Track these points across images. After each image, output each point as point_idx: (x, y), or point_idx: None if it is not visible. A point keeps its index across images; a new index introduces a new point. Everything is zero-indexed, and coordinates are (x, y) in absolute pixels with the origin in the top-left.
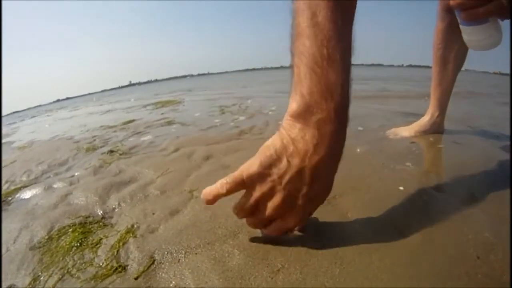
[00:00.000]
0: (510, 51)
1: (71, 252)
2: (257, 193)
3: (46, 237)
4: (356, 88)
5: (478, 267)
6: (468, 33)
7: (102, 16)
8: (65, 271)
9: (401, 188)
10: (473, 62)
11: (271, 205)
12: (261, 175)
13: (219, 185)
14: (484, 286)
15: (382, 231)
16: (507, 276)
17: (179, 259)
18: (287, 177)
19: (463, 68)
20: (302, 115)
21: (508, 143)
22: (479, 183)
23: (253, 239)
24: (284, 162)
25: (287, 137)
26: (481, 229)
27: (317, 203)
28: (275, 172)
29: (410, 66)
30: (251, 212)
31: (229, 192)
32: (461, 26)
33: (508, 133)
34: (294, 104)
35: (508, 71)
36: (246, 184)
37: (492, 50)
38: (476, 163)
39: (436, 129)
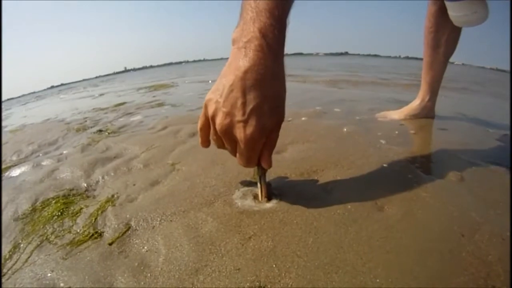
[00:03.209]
0: (510, 48)
1: (51, 221)
2: (210, 117)
3: (30, 208)
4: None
5: (462, 245)
6: (453, 9)
7: (96, 3)
8: (44, 238)
9: (385, 165)
10: (470, 57)
11: (217, 123)
12: (209, 101)
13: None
14: (468, 265)
15: (361, 205)
16: (493, 256)
17: (154, 226)
18: (224, 95)
19: (459, 62)
20: (237, 40)
21: (502, 132)
22: (467, 167)
23: (229, 208)
24: (222, 82)
25: (227, 62)
26: (467, 209)
27: (266, 118)
28: (218, 94)
29: (407, 57)
30: (218, 139)
31: (202, 123)
32: (446, 3)
33: (500, 121)
34: (233, 34)
35: (506, 67)
36: (206, 114)
37: (491, 46)
38: (466, 148)
39: (427, 113)
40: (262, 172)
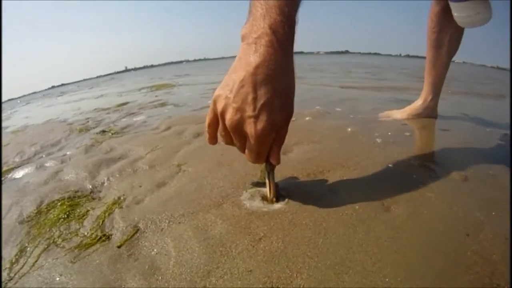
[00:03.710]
0: (510, 47)
1: (58, 224)
2: (219, 113)
3: (35, 211)
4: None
5: (467, 245)
6: (457, 9)
7: (96, 3)
8: (51, 242)
9: (390, 165)
10: (471, 55)
11: (227, 119)
12: (218, 97)
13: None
14: (473, 264)
15: (369, 206)
16: (497, 255)
17: (162, 228)
18: (234, 90)
19: (460, 60)
20: (246, 36)
21: (504, 131)
22: (470, 167)
23: (237, 210)
24: (232, 78)
25: (236, 58)
26: (471, 209)
27: (276, 113)
28: (227, 89)
29: (408, 56)
30: (227, 135)
31: (211, 120)
32: (450, 4)
33: (501, 121)
34: (242, 30)
35: (506, 66)
36: (214, 110)
37: (492, 45)
38: (468, 148)
39: (429, 113)
40: (271, 169)
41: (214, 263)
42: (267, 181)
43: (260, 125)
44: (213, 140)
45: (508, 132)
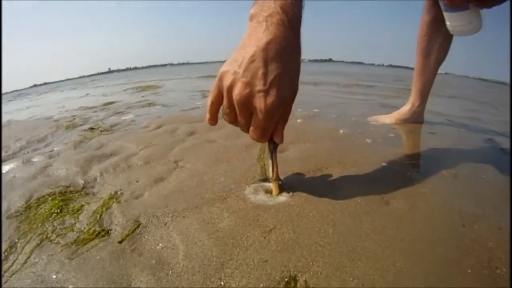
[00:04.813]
0: (510, 53)
1: (50, 219)
2: (225, 89)
3: (24, 206)
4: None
5: (465, 234)
6: (451, 19)
7: (80, 3)
8: (44, 237)
9: (384, 164)
10: (454, 66)
11: (235, 94)
12: (225, 72)
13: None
14: (472, 250)
15: (369, 199)
16: (492, 243)
17: (166, 222)
18: (243, 65)
19: (443, 71)
20: (256, 15)
21: (487, 136)
22: (458, 166)
23: (243, 203)
24: (241, 53)
25: (245, 36)
26: (464, 202)
27: (286, 89)
28: (235, 65)
29: (391, 66)
30: (231, 112)
31: (214, 97)
32: (444, 13)
33: (484, 126)
34: (251, 10)
35: (489, 77)
36: (219, 86)
37: (477, 56)
38: (455, 149)
39: (416, 118)
40: (274, 148)
41: (227, 255)
42: (270, 160)
43: (270, 99)
44: (214, 120)
45: (492, 137)
